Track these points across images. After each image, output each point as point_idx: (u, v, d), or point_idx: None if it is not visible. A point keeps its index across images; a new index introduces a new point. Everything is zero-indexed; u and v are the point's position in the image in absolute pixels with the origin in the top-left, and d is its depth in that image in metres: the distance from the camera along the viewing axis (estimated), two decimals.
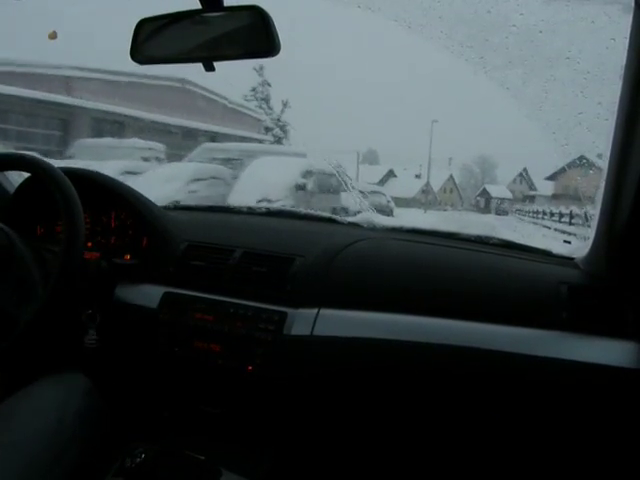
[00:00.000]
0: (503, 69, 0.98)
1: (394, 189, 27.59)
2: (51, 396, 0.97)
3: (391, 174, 36.20)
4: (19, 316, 0.99)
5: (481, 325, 1.02)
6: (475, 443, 1.06)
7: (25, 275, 1.03)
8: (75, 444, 0.94)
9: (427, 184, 33.55)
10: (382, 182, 33.61)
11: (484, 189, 36.44)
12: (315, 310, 1.09)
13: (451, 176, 39.36)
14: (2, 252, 1.00)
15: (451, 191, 39.65)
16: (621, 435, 0.95)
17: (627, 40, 0.84)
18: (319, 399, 1.10)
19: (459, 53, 0.99)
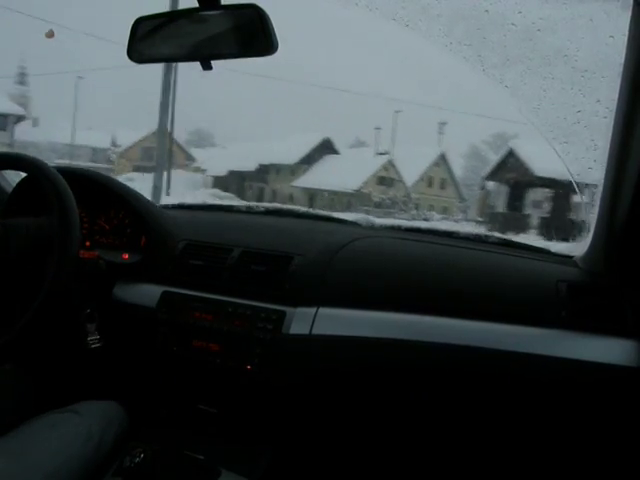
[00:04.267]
0: (501, 67, 0.98)
1: (327, 175, 18.03)
2: (92, 425, 0.98)
3: (327, 147, 21.84)
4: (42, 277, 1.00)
5: (480, 324, 1.02)
6: (475, 441, 1.06)
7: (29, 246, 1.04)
8: (105, 468, 0.98)
9: (390, 164, 19.33)
10: (308, 160, 21.32)
11: (510, 151, 13.93)
12: (314, 309, 1.09)
13: (442, 156, 21.24)
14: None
15: (442, 184, 21.12)
16: (621, 433, 0.95)
17: (626, 37, 0.83)
18: (318, 398, 1.10)
19: (457, 51, 0.99)
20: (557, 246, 1.23)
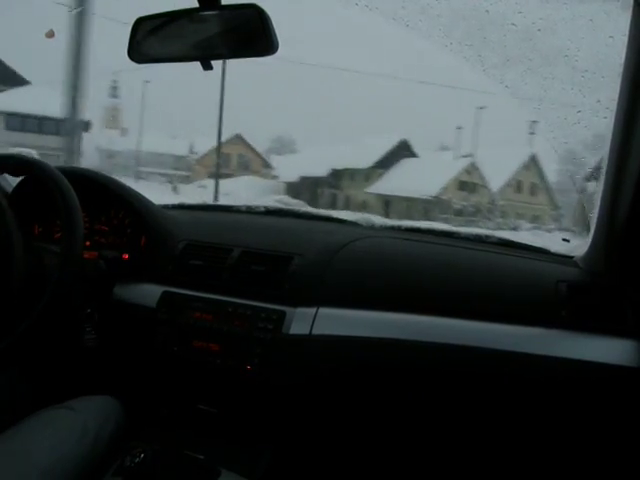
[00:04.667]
0: (502, 67, 0.98)
1: (404, 180, 16.46)
2: (87, 421, 0.97)
3: (404, 150, 20.68)
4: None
5: (480, 324, 1.02)
6: (475, 441, 1.06)
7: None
8: (102, 465, 0.97)
9: (472, 167, 16.86)
10: (383, 164, 20.43)
11: None
12: (314, 309, 1.09)
13: (533, 158, 18.13)
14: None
15: (533, 190, 18.45)
16: (621, 433, 0.95)
17: (626, 38, 0.83)
18: (318, 398, 1.10)
19: (458, 51, 0.99)
20: (557, 246, 1.23)
